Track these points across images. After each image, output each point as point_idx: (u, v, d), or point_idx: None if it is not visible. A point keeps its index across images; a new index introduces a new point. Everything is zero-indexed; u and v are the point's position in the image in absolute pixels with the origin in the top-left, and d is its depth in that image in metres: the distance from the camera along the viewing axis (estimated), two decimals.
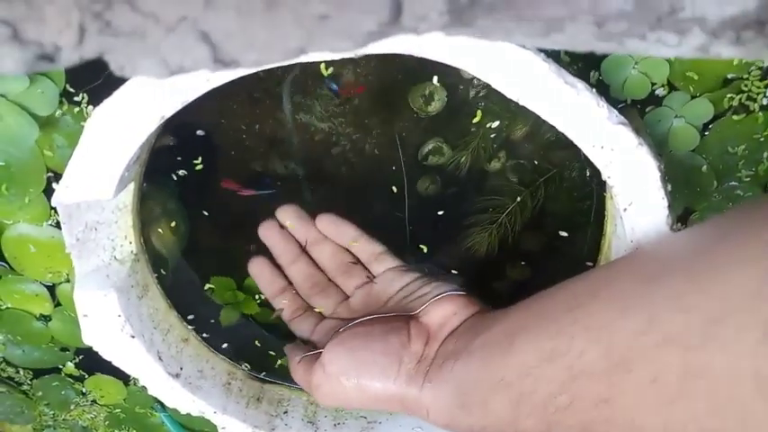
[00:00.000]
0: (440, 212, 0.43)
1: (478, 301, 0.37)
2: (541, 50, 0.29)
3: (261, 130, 0.43)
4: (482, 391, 0.31)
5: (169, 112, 0.32)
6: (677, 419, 0.23)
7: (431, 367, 0.34)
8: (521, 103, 0.30)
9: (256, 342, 0.47)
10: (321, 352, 0.37)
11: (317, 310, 0.43)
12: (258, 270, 0.44)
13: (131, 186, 0.39)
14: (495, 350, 0.31)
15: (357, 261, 0.43)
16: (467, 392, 0.32)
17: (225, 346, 0.47)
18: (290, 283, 0.44)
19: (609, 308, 0.26)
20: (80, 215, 0.37)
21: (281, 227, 0.44)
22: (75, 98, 0.38)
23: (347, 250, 0.43)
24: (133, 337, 0.40)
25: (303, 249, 0.44)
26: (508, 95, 0.30)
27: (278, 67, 0.40)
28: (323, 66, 0.39)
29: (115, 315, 0.39)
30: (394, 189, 0.43)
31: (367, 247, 0.42)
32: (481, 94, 0.40)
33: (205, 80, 0.31)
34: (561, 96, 0.30)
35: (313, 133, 0.43)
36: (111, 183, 0.34)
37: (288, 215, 0.43)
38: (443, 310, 0.36)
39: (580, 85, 0.30)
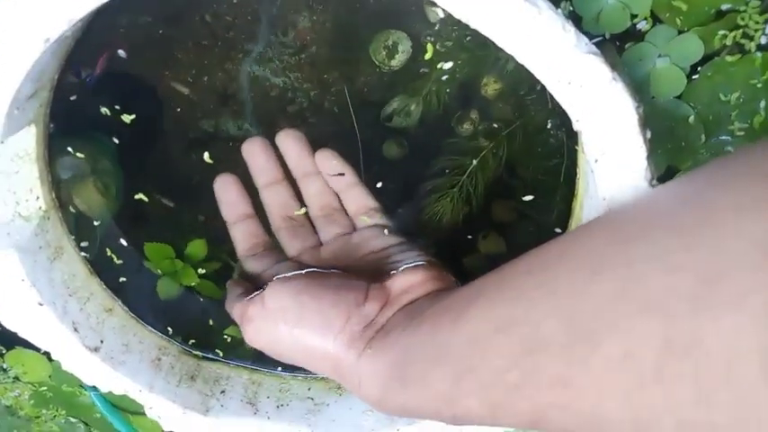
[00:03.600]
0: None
1: (452, 277, 0.33)
2: None
3: (210, 83, 0.39)
4: (423, 363, 0.27)
5: (54, 33, 0.27)
6: (651, 409, 0.19)
7: (377, 334, 0.30)
8: (470, 24, 0.25)
9: (196, 315, 0.43)
10: None
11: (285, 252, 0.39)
12: (222, 186, 0.38)
13: (33, 130, 0.34)
14: (445, 318, 0.27)
15: (343, 209, 0.39)
16: (407, 364, 0.28)
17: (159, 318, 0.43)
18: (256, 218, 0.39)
19: (578, 271, 0.22)
20: None
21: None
22: None
23: (337, 197, 0.39)
24: (41, 304, 0.36)
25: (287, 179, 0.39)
26: (455, 14, 0.25)
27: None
28: None
29: (18, 279, 0.35)
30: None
31: (359, 198, 0.38)
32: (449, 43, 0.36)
33: None
34: (518, 17, 0.25)
35: (267, 89, 0.40)
36: None
37: (287, 140, 0.38)
38: (410, 278, 0.32)
39: (542, 3, 0.25)
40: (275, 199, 0.38)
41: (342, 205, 0.39)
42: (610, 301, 0.20)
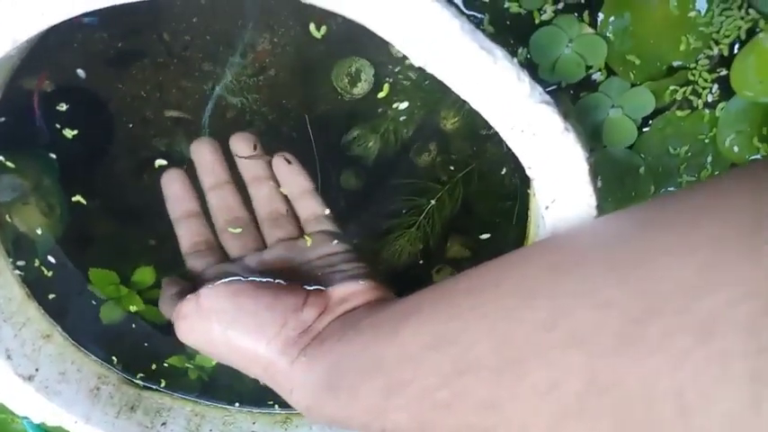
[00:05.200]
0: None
1: (392, 291, 0.33)
2: (453, 5, 0.24)
3: (164, 100, 0.39)
4: (356, 373, 0.27)
5: None
6: None
7: (312, 341, 0.30)
8: (427, 69, 0.25)
9: (139, 342, 0.42)
10: None
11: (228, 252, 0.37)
12: (169, 181, 0.37)
13: None
14: (380, 331, 0.27)
15: (293, 215, 0.38)
16: (339, 374, 0.28)
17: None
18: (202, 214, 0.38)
19: (511, 296, 0.22)
20: None
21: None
22: None
23: (287, 202, 0.38)
24: None
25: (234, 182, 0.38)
26: (412, 59, 0.25)
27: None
28: (312, 27, 0.34)
29: None
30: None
31: (311, 205, 0.37)
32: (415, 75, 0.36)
33: (39, 14, 0.25)
34: (474, 64, 0.25)
35: (224, 109, 0.39)
36: None
37: (240, 142, 0.37)
38: (350, 287, 0.32)
39: (499, 51, 0.25)
40: (221, 201, 0.37)
41: (291, 211, 0.38)
42: (539, 331, 0.20)
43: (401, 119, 0.37)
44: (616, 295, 0.19)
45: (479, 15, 0.30)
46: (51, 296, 0.39)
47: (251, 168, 0.37)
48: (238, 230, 0.37)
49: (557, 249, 0.24)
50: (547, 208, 0.28)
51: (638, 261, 0.19)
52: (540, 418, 0.20)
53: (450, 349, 0.23)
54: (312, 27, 0.34)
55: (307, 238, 0.36)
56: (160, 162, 0.37)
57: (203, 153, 0.37)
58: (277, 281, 0.33)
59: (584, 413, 0.19)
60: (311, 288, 0.32)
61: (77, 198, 0.38)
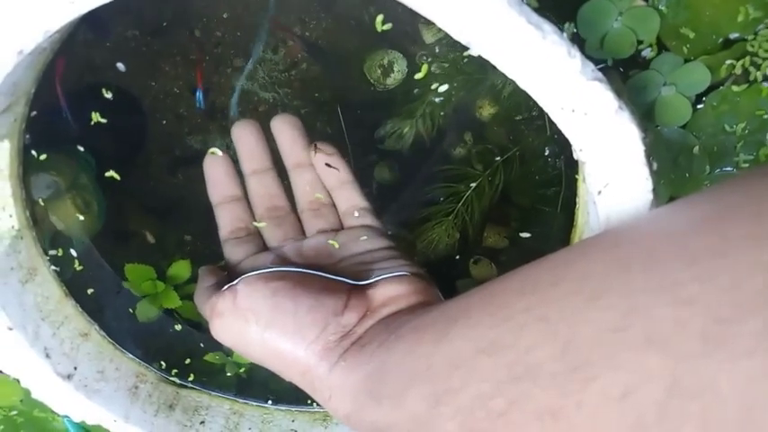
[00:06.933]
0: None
1: (437, 292, 0.31)
2: None
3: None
4: (401, 380, 0.25)
5: (28, 45, 0.25)
6: None
7: (352, 346, 0.28)
8: (471, 47, 0.24)
9: (177, 340, 0.42)
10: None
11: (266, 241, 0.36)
12: (212, 164, 0.36)
13: (5, 146, 0.32)
14: (426, 335, 0.25)
15: (333, 206, 0.36)
16: (382, 380, 0.26)
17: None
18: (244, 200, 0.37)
19: (573, 296, 0.20)
20: None
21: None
22: None
23: (328, 194, 0.37)
24: (11, 329, 0.34)
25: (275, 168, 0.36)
26: (455, 37, 0.24)
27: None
28: (379, 20, 0.32)
29: None
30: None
31: (352, 197, 0.36)
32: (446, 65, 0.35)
33: (69, 2, 0.24)
34: (522, 40, 0.23)
35: (256, 104, 0.39)
36: None
37: (283, 125, 0.35)
38: (393, 288, 0.30)
39: (548, 26, 0.23)
40: (262, 188, 0.36)
41: (331, 202, 0.36)
42: (609, 332, 0.19)
43: (437, 100, 0.35)
44: (698, 291, 0.17)
45: None
46: (89, 293, 0.39)
47: (293, 153, 0.36)
48: (263, 224, 0.36)
49: (621, 243, 0.22)
50: (599, 193, 0.27)
51: (720, 252, 0.17)
52: (612, 427, 0.18)
53: (505, 354, 0.21)
54: (379, 19, 0.32)
55: (354, 217, 0.35)
56: (214, 150, 0.36)
57: (246, 136, 0.35)
58: (316, 273, 0.31)
59: (666, 421, 0.17)
60: (351, 283, 0.31)
61: (110, 173, 0.37)
